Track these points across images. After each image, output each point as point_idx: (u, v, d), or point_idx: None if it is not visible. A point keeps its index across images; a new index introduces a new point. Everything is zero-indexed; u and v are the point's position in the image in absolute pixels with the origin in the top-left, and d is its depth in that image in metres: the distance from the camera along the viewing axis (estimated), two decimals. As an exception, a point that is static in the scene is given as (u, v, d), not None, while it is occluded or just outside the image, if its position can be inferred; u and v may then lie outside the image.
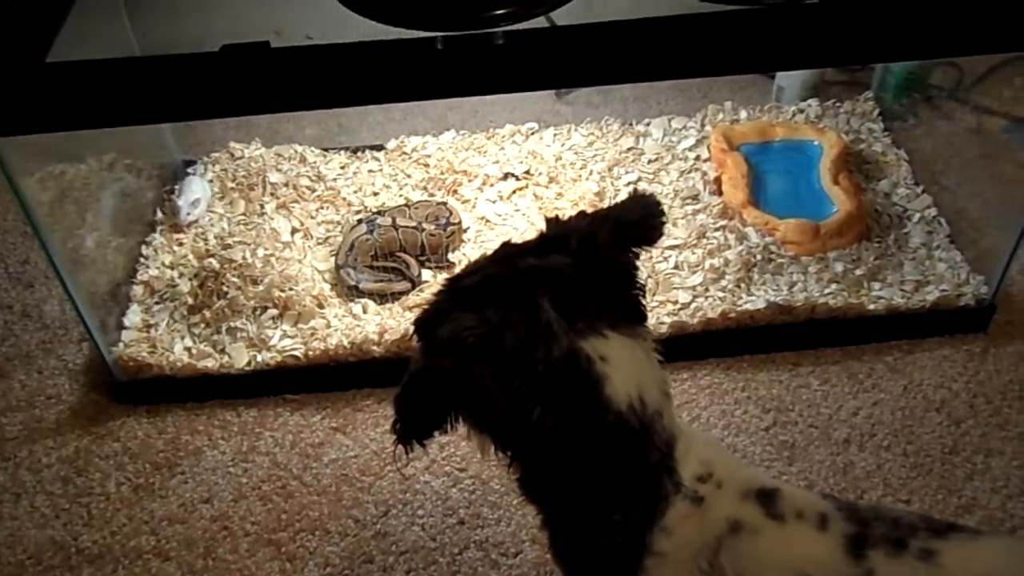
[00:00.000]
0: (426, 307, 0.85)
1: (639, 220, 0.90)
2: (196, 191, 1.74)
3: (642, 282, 0.88)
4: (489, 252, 0.88)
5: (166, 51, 1.19)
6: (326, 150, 1.90)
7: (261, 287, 1.57)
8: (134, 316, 1.58)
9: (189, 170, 1.83)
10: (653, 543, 0.82)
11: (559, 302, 0.79)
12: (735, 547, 0.81)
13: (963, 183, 1.73)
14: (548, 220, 0.89)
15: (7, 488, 1.43)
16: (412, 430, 0.83)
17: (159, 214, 1.76)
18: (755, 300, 1.53)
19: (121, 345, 1.54)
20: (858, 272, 1.58)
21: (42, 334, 1.66)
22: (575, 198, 1.72)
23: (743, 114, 1.91)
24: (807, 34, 1.22)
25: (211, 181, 1.81)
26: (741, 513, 0.82)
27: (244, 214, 1.74)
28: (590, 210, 0.92)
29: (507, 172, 1.81)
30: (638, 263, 0.89)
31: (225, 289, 1.57)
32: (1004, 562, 0.76)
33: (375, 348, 1.51)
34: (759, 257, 1.59)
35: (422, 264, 1.65)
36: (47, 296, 1.73)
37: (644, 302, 0.87)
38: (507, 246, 0.88)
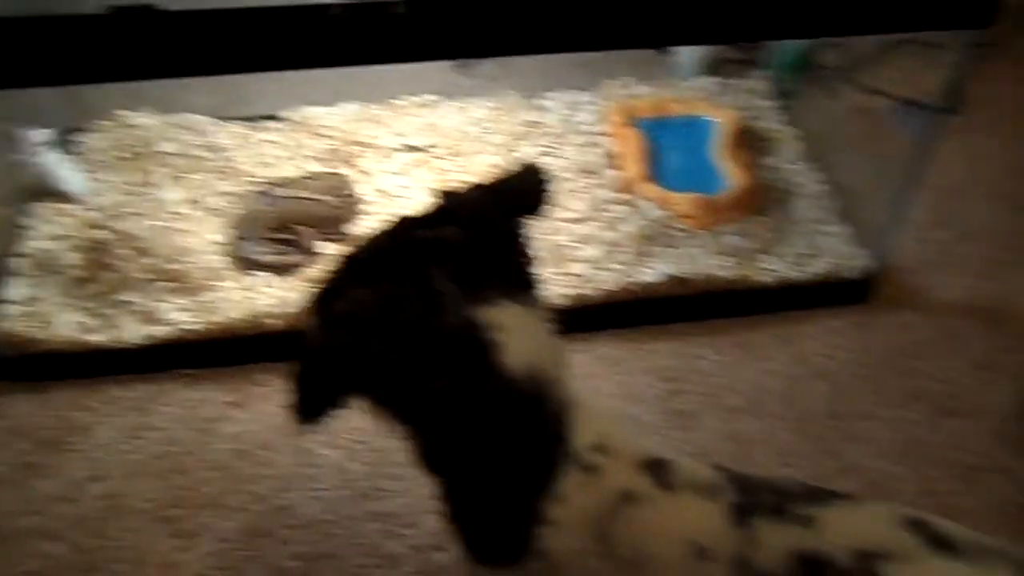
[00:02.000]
0: (321, 283, 0.84)
1: (526, 191, 0.91)
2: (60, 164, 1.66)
3: (533, 251, 0.89)
4: (384, 226, 0.88)
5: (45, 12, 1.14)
6: (221, 119, 1.85)
7: (154, 259, 1.52)
8: (18, 290, 1.52)
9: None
10: (547, 512, 0.83)
11: (453, 273, 0.80)
12: (627, 516, 0.83)
13: (850, 160, 1.80)
14: (440, 193, 0.89)
15: None
16: (310, 407, 0.82)
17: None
18: (652, 272, 1.56)
19: (4, 320, 1.48)
20: (750, 245, 1.62)
21: (-83, 309, 1.58)
22: (476, 171, 1.72)
23: (642, 89, 1.93)
24: (703, 11, 1.24)
25: (98, 150, 1.75)
26: (633, 483, 0.84)
27: (135, 184, 1.69)
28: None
29: (407, 144, 1.79)
30: (528, 233, 0.89)
31: (116, 261, 1.53)
32: (877, 525, 0.79)
33: (272, 321, 1.49)
34: (656, 231, 1.62)
35: (320, 236, 1.63)
36: (-78, 269, 1.65)
37: (535, 271, 0.88)
38: (402, 220, 0.87)
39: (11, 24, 1.12)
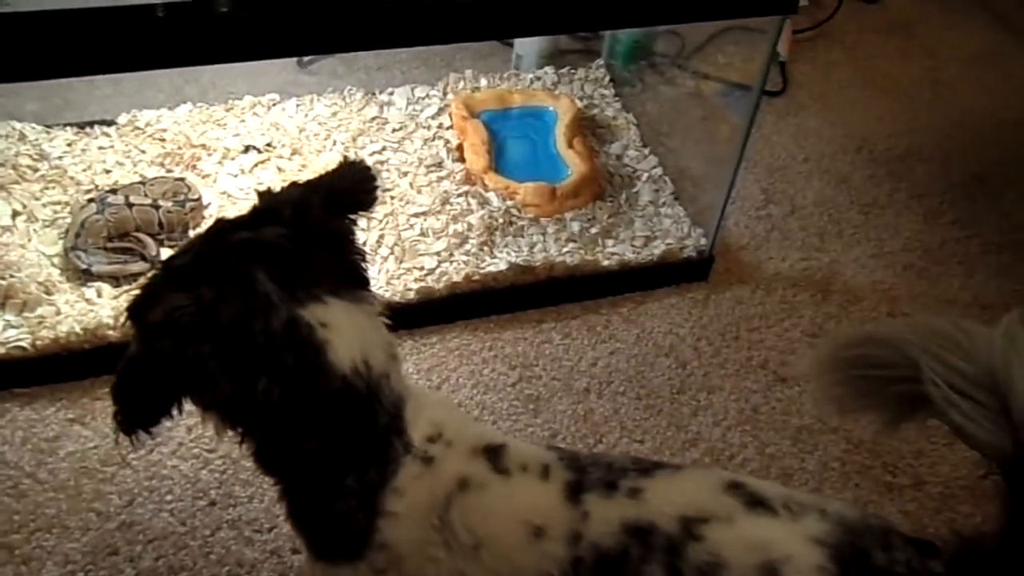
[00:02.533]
0: (138, 292, 0.83)
1: (351, 187, 0.91)
2: None
3: (362, 247, 0.90)
4: (201, 231, 0.87)
5: None
6: (50, 127, 1.78)
7: (-23, 275, 1.45)
8: None
9: None
10: (386, 504, 0.84)
11: (275, 273, 0.80)
12: (464, 503, 0.84)
13: (685, 144, 1.87)
14: (260, 193, 0.88)
15: None
16: (135, 418, 0.81)
17: None
18: (498, 262, 1.59)
19: None
20: (593, 231, 1.67)
21: None
22: (319, 169, 1.69)
23: (483, 82, 1.96)
24: (540, 2, 1.27)
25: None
26: (469, 469, 0.86)
27: (-44, 198, 1.61)
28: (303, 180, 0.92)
29: (248, 145, 1.77)
30: (356, 228, 0.90)
31: (-64, 280, 1.45)
32: (698, 491, 0.83)
33: (111, 333, 1.44)
34: (501, 220, 1.65)
35: (161, 243, 1.58)
36: None
37: (365, 267, 0.89)
38: (219, 222, 0.87)
39: None
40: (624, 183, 1.78)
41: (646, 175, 1.80)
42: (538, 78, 1.98)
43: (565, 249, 1.64)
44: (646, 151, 1.85)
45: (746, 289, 1.72)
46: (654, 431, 1.47)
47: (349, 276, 0.87)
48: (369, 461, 0.84)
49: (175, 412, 0.80)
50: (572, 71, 2.01)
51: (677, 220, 1.73)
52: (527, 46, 2.04)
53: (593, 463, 0.87)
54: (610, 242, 1.67)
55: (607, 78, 2.01)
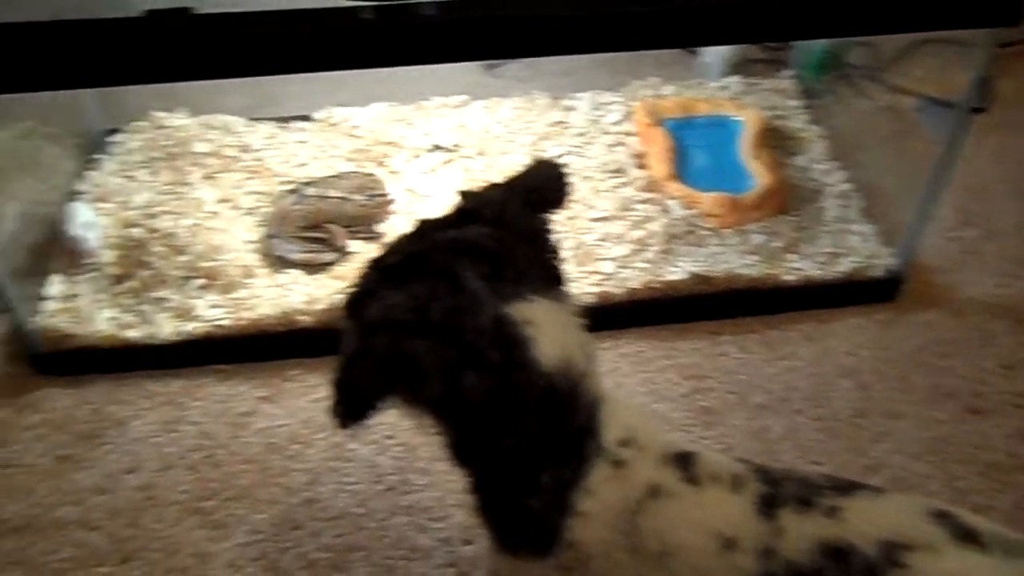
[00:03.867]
0: (352, 289, 0.86)
1: (545, 185, 0.92)
2: (84, 215, 1.63)
3: (558, 246, 0.90)
4: (408, 230, 0.90)
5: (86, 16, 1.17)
6: (253, 120, 1.89)
7: (187, 257, 1.56)
8: (56, 286, 1.56)
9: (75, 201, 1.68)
10: (576, 504, 0.85)
11: (482, 271, 0.81)
12: (654, 510, 0.84)
13: (876, 159, 1.80)
14: (461, 194, 0.91)
15: (-76, 461, 1.41)
16: (352, 411, 0.84)
17: (80, 183, 1.73)
18: (677, 271, 1.58)
19: (43, 316, 1.51)
20: (776, 244, 1.63)
21: (-42, 305, 1.63)
22: (504, 171, 1.73)
23: (668, 90, 1.95)
24: (730, 10, 1.26)
25: (134, 150, 1.79)
26: (660, 476, 0.85)
27: (169, 184, 1.72)
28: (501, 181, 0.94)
29: (436, 144, 1.82)
30: (551, 228, 0.91)
31: (150, 259, 1.56)
32: (902, 516, 0.80)
33: (303, 318, 1.52)
34: (682, 229, 1.64)
35: (350, 235, 1.65)
36: (-37, 266, 1.69)
37: (562, 266, 0.90)
38: (424, 223, 0.89)
39: (53, 27, 1.16)
40: (810, 197, 1.73)
41: (834, 189, 1.74)
42: (724, 87, 1.95)
43: (746, 261, 1.60)
44: (835, 165, 1.79)
45: (936, 313, 1.64)
46: (832, 454, 1.42)
47: (548, 274, 0.89)
48: (564, 459, 0.85)
49: (384, 404, 0.83)
50: (759, 81, 1.97)
51: (865, 237, 1.66)
52: (713, 54, 2.02)
53: (786, 477, 0.85)
54: (793, 257, 1.63)
55: (795, 89, 1.95)
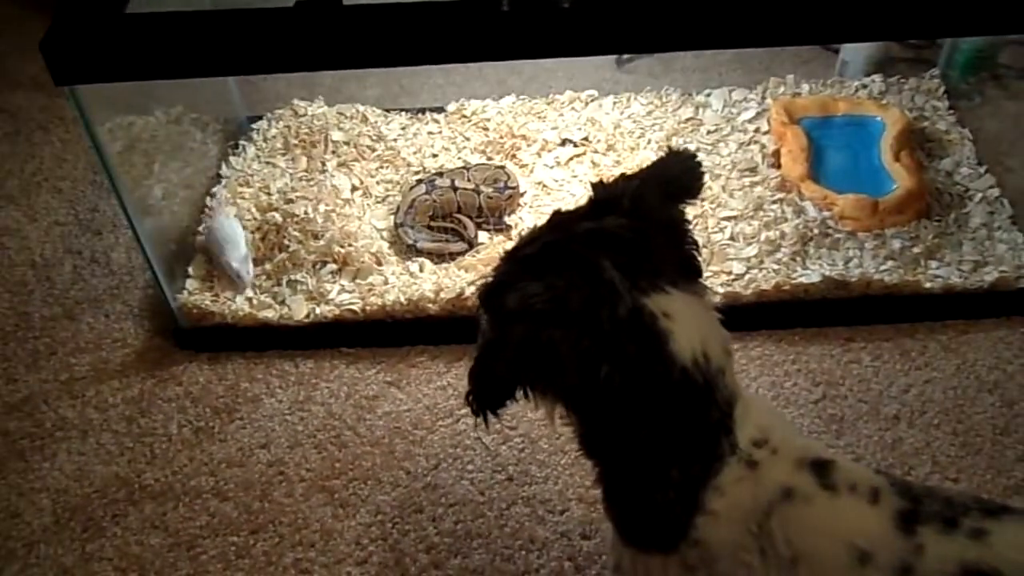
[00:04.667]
0: (488, 280, 0.87)
1: (680, 175, 0.91)
2: (236, 235, 1.61)
3: (694, 238, 0.89)
4: (542, 221, 0.90)
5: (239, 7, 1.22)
6: (387, 110, 1.93)
7: (322, 242, 1.60)
8: (199, 266, 1.63)
9: (216, 213, 1.67)
10: (706, 501, 0.83)
11: (619, 262, 0.81)
12: (786, 513, 0.82)
13: (1028, 164, 1.71)
14: (594, 185, 0.90)
15: (75, 425, 1.49)
16: (488, 400, 0.85)
17: (224, 168, 1.80)
18: (810, 274, 1.53)
19: (185, 293, 1.58)
20: (916, 250, 1.57)
21: (109, 280, 1.72)
22: (633, 166, 1.72)
23: (805, 88, 1.89)
24: (874, 6, 1.21)
25: (273, 137, 1.85)
26: (794, 481, 0.83)
27: (306, 170, 1.78)
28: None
29: (565, 138, 1.82)
30: (688, 219, 0.90)
31: (287, 243, 1.61)
32: None
33: (431, 306, 1.54)
34: (816, 231, 1.59)
35: (479, 226, 1.67)
36: (115, 244, 1.78)
37: (699, 257, 0.88)
38: (559, 214, 0.89)
39: (210, 17, 1.21)
40: (954, 202, 1.66)
41: (980, 195, 1.66)
42: (864, 86, 1.89)
43: (883, 267, 1.55)
44: (982, 170, 1.71)
45: (1089, 329, 1.55)
46: (970, 471, 1.36)
47: (686, 266, 0.87)
48: (695, 456, 0.83)
49: (519, 397, 0.84)
50: (902, 80, 1.89)
51: (1014, 247, 1.58)
52: (854, 52, 1.95)
53: (928, 495, 0.82)
54: (934, 263, 1.56)
55: (941, 89, 1.87)
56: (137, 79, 1.22)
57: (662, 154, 0.96)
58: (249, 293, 1.58)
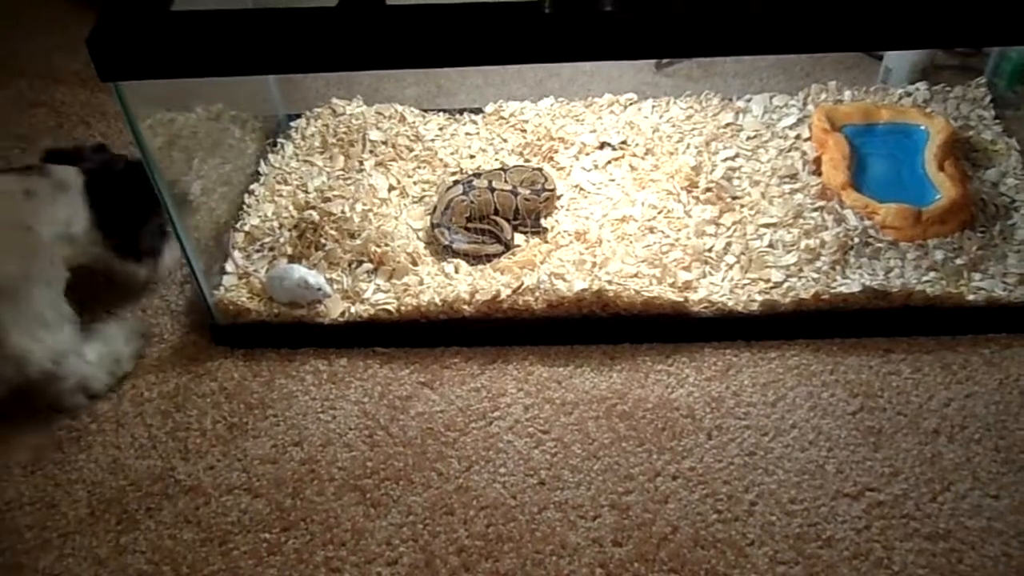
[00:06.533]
0: None
1: None
2: (290, 268, 1.57)
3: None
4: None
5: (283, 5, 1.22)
6: (425, 111, 1.93)
7: (358, 241, 1.60)
8: (236, 263, 1.64)
9: (290, 269, 1.58)
10: None
11: None
12: None
13: (1076, 177, 1.68)
14: None
15: (110, 418, 1.50)
16: None
17: (262, 165, 1.81)
18: (850, 283, 1.51)
19: (222, 290, 1.59)
20: (959, 261, 1.54)
21: (147, 275, 1.73)
22: (671, 171, 1.71)
23: (847, 94, 1.87)
24: (921, 12, 1.19)
25: (312, 136, 1.86)
26: None
27: (343, 169, 1.78)
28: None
29: (603, 141, 1.81)
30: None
31: (323, 241, 1.62)
32: None
33: (465, 308, 1.54)
34: (856, 240, 1.57)
35: (515, 228, 1.66)
36: (153, 238, 1.79)
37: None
38: None
39: (252, 16, 1.21)
40: (999, 213, 1.63)
41: (1027, 207, 1.63)
42: (908, 94, 1.86)
43: (925, 278, 1.52)
44: (1029, 181, 1.68)
45: None
46: (1012, 488, 1.33)
47: None
48: None
49: None
50: (947, 88, 1.87)
51: (1060, 260, 1.55)
52: (898, 59, 1.92)
53: None
54: (977, 276, 1.53)
55: (987, 98, 1.84)
56: (181, 76, 1.22)
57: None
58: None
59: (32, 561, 1.32)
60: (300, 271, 1.55)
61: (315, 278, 1.55)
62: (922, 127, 1.74)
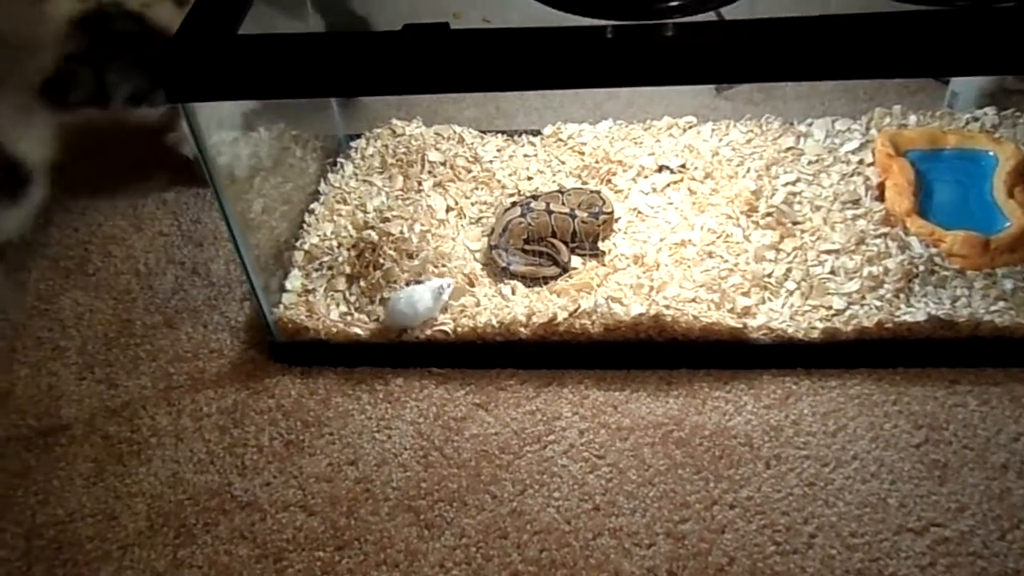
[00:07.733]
0: None
1: None
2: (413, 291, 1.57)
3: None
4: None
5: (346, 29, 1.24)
6: (484, 132, 1.94)
7: (416, 261, 1.61)
8: (295, 281, 1.66)
9: (414, 289, 1.58)
10: None
11: None
12: None
13: None
14: None
15: (170, 432, 1.52)
16: None
17: (322, 184, 1.83)
18: (915, 312, 1.48)
19: (281, 307, 1.61)
20: (1030, 292, 1.51)
21: (208, 291, 1.76)
22: (730, 195, 1.69)
23: (912, 119, 1.84)
24: (995, 39, 1.17)
25: (371, 156, 1.88)
26: None
27: (402, 190, 1.80)
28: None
29: (662, 164, 1.80)
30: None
31: (381, 261, 1.63)
32: None
33: (522, 330, 1.54)
34: (921, 268, 1.54)
35: (572, 251, 1.66)
36: (215, 255, 1.82)
37: None
38: None
39: (318, 39, 1.23)
40: (1071, 243, 1.58)
41: (1100, 236, 1.59)
42: (976, 119, 1.82)
43: (994, 308, 1.49)
44: (1103, 209, 1.63)
45: None
46: (1084, 528, 1.29)
47: None
48: None
49: None
50: (1017, 113, 1.82)
51: None
52: (965, 84, 1.89)
53: None
54: (1048, 306, 1.50)
55: (1059, 124, 1.80)
56: (248, 98, 1.25)
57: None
58: (344, 308, 1.60)
59: (92, 572, 1.35)
60: (426, 283, 1.57)
61: (440, 280, 1.57)
62: (990, 153, 1.71)
